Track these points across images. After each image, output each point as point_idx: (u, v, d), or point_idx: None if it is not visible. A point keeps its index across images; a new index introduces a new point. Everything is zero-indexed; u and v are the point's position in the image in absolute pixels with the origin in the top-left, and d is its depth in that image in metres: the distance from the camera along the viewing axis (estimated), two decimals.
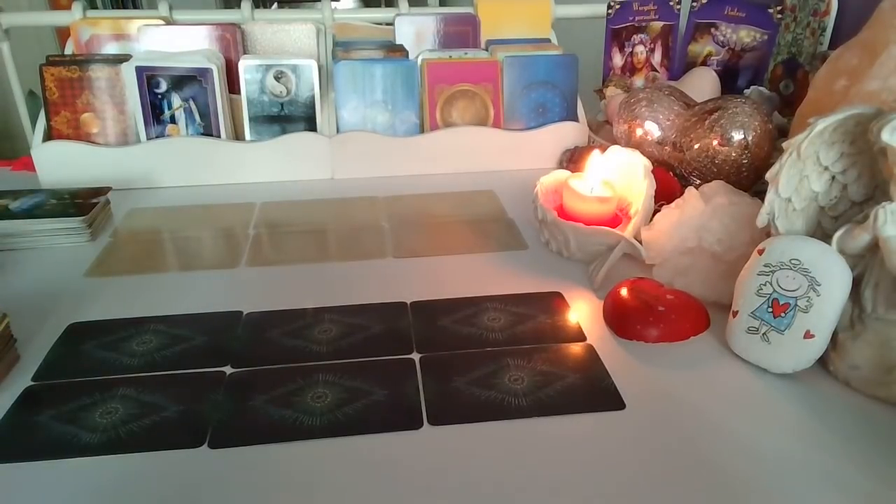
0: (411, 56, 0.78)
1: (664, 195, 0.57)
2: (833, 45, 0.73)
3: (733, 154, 0.59)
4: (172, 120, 0.72)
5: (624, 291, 0.47)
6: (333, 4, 0.85)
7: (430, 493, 0.34)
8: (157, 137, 0.73)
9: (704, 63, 0.84)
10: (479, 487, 0.34)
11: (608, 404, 0.40)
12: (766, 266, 0.42)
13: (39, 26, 1.56)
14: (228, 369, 0.43)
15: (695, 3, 0.83)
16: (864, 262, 0.41)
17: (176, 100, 0.71)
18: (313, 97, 0.74)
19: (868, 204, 0.42)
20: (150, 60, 0.71)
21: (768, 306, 0.42)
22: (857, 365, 0.40)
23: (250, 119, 0.74)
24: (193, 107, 0.72)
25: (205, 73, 0.71)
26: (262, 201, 0.69)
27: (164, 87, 0.71)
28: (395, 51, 0.78)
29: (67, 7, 0.78)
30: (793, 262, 0.41)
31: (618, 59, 0.89)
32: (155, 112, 0.72)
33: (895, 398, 0.39)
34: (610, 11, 0.87)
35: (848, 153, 0.42)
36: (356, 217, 0.66)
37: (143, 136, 0.73)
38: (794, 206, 0.43)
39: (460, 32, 0.83)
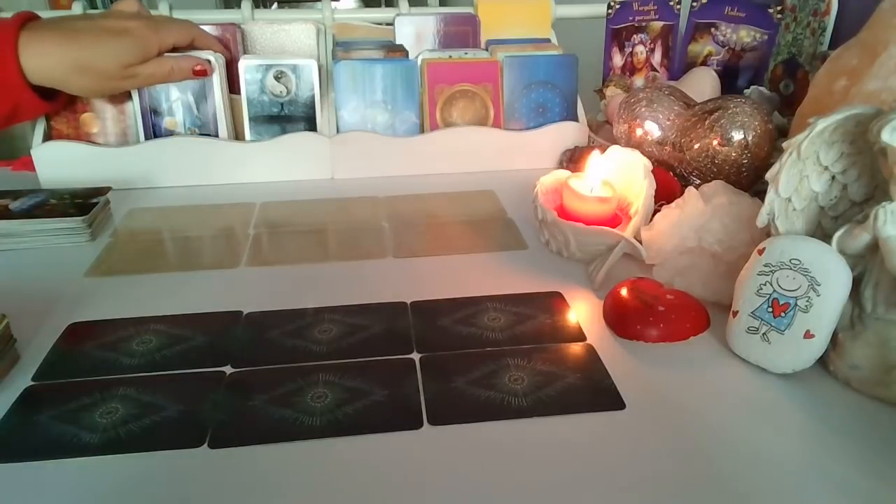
0: (411, 56, 0.78)
1: (664, 195, 0.57)
2: (833, 45, 0.73)
3: (733, 154, 0.59)
4: (169, 113, 0.72)
5: (624, 291, 0.47)
6: (333, 4, 0.85)
7: (430, 493, 0.34)
8: (154, 129, 0.72)
9: (704, 63, 0.84)
10: (479, 487, 0.34)
11: (608, 404, 0.40)
12: (766, 266, 0.42)
13: None
14: (228, 369, 0.43)
15: (695, 3, 0.83)
16: (864, 262, 0.41)
17: (174, 92, 0.71)
18: (313, 97, 0.74)
19: (868, 204, 0.42)
20: None
21: (768, 306, 0.42)
22: (857, 365, 0.40)
23: (250, 119, 0.74)
24: (190, 98, 0.72)
25: None
26: (262, 201, 0.69)
27: (163, 85, 0.71)
28: (395, 51, 0.78)
29: (67, 7, 0.78)
30: (793, 262, 0.41)
31: (618, 59, 0.89)
32: (152, 104, 0.72)
33: (895, 398, 0.39)
34: (610, 11, 0.87)
35: (848, 153, 0.42)
36: (356, 217, 0.66)
37: (141, 135, 0.72)
38: (794, 206, 0.43)
39: (460, 32, 0.83)
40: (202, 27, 0.74)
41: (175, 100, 0.72)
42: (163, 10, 0.80)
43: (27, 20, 0.63)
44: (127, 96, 0.71)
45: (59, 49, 0.62)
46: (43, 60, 0.62)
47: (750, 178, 0.60)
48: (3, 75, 0.61)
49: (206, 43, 0.72)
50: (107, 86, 0.67)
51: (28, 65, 0.61)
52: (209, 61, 0.70)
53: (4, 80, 0.61)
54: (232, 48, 0.77)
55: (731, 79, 0.82)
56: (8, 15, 0.73)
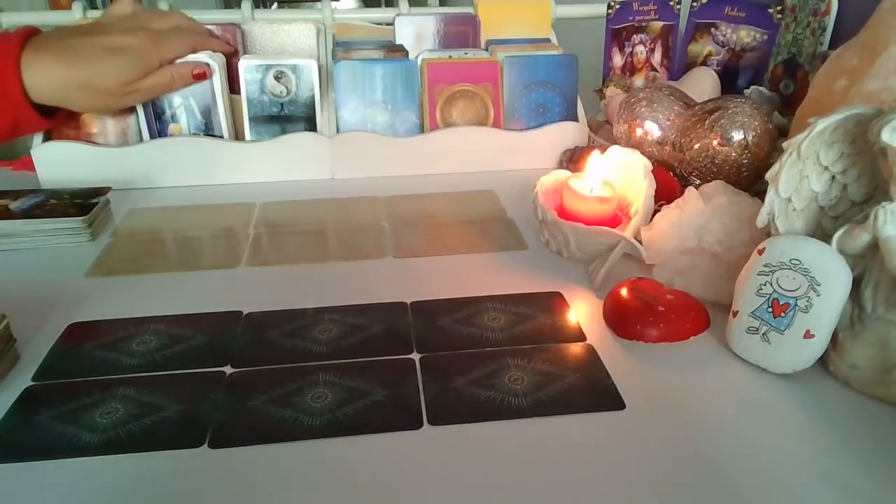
0: (411, 56, 0.78)
1: (664, 195, 0.57)
2: (833, 45, 0.73)
3: (733, 154, 0.59)
4: (173, 119, 0.72)
5: (624, 291, 0.47)
6: (333, 4, 0.85)
7: (430, 493, 0.34)
8: (159, 134, 0.72)
9: (704, 63, 0.84)
10: (479, 487, 0.34)
11: (608, 404, 0.40)
12: (766, 266, 0.42)
13: (39, 26, 1.55)
14: (228, 369, 0.43)
15: (695, 3, 0.83)
16: (864, 262, 0.41)
17: (176, 98, 0.71)
18: (313, 97, 0.74)
19: (868, 204, 0.42)
20: None
21: (768, 306, 0.42)
22: (857, 365, 0.40)
23: (250, 119, 0.74)
24: (193, 103, 0.72)
25: None
26: (262, 201, 0.69)
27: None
28: (395, 51, 0.78)
29: (67, 7, 0.78)
30: (793, 262, 0.41)
31: (618, 59, 0.89)
32: (156, 111, 0.72)
33: (895, 398, 0.39)
34: (610, 11, 0.87)
35: (848, 153, 0.42)
36: (356, 217, 0.66)
37: (146, 135, 0.72)
38: (794, 206, 0.43)
39: (460, 32, 0.83)
40: (204, 27, 0.74)
41: (178, 106, 0.72)
42: (163, 9, 0.79)
43: (28, 36, 0.63)
44: None
45: (60, 70, 0.62)
46: (45, 80, 0.62)
47: (750, 178, 0.60)
48: (5, 93, 0.61)
49: (210, 47, 0.72)
50: (109, 102, 0.68)
51: (30, 83, 0.62)
52: (208, 65, 0.70)
53: (6, 97, 0.61)
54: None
55: (731, 79, 0.82)
56: (7, 14, 0.73)
